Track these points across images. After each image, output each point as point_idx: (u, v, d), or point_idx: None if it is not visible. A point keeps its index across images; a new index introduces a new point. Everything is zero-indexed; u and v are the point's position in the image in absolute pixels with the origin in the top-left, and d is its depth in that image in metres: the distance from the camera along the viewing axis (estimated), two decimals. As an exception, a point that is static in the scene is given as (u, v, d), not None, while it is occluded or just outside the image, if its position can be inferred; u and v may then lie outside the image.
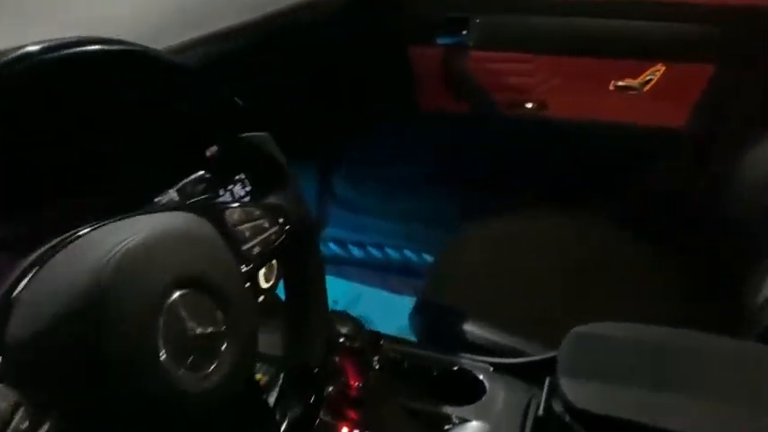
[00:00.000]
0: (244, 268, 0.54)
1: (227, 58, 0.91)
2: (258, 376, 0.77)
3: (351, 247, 1.65)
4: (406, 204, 1.60)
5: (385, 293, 1.58)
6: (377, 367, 0.85)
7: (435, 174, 1.56)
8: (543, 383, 0.81)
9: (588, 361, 0.72)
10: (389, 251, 1.62)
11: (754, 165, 1.08)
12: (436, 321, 1.07)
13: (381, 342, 0.87)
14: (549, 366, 0.77)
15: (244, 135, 0.58)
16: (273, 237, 0.56)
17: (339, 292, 1.59)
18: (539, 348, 0.96)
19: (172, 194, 0.62)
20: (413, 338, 1.10)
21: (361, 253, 1.65)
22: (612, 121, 1.37)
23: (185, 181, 0.62)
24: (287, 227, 0.57)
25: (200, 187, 0.63)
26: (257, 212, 0.56)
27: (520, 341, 0.98)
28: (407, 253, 1.60)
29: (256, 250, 0.55)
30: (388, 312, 1.53)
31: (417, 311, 1.10)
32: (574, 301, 1.06)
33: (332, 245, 1.67)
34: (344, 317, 0.84)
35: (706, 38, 1.20)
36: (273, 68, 1.15)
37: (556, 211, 1.35)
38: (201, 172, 0.63)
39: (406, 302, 1.56)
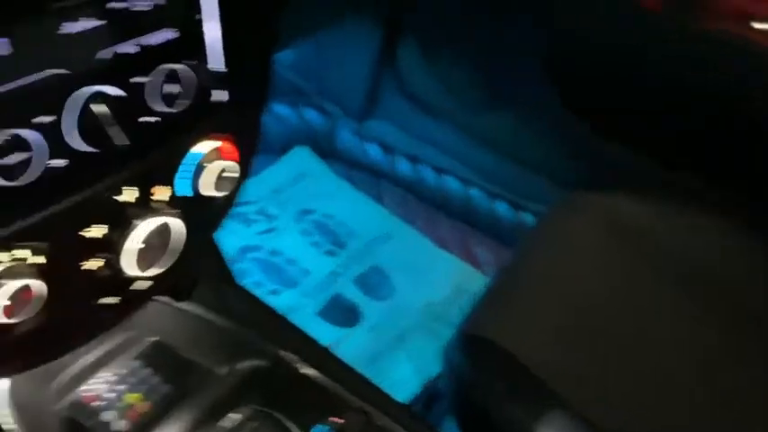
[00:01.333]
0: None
1: None
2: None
3: (398, 159, 1.13)
4: (505, 122, 1.04)
5: (427, 243, 1.08)
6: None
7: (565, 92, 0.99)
8: None
9: None
10: (452, 183, 1.09)
11: None
12: (490, 382, 0.57)
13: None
14: None
15: None
16: None
17: (362, 221, 1.10)
18: None
19: None
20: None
21: (411, 172, 1.12)
22: None
23: None
24: None
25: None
26: None
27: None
28: (475, 194, 1.07)
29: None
30: (421, 273, 1.04)
31: (464, 344, 0.60)
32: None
33: (373, 148, 1.14)
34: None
35: None
36: None
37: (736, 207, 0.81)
38: None
39: (453, 268, 1.07)
